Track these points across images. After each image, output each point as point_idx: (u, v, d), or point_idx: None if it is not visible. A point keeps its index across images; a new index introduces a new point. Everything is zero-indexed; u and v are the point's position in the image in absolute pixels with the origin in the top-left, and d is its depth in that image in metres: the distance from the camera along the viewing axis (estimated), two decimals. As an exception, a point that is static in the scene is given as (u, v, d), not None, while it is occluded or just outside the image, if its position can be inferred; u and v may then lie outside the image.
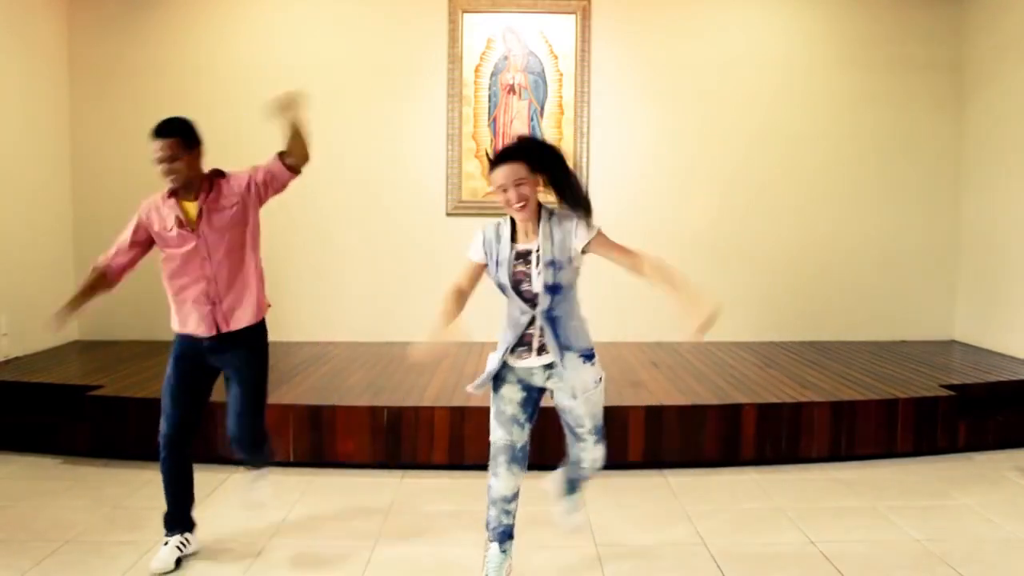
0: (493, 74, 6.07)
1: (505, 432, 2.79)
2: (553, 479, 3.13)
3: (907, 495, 3.82)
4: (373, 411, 4.11)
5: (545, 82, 6.08)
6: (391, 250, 6.07)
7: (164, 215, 3.13)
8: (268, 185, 3.17)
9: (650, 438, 4.12)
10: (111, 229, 5.96)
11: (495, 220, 2.83)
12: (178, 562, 3.02)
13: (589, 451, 2.82)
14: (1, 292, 5.20)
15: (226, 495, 3.81)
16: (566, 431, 2.85)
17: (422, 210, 6.05)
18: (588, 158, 6.06)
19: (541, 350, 2.71)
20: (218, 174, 3.19)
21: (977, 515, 3.57)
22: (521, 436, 2.79)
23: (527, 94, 6.08)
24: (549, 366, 2.72)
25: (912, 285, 6.22)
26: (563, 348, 2.68)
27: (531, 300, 2.68)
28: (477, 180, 6.10)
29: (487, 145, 6.08)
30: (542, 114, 6.09)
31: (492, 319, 6.45)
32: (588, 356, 2.73)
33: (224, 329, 3.05)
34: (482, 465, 4.11)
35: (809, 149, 6.15)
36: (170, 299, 3.13)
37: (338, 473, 4.05)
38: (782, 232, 6.17)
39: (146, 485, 3.89)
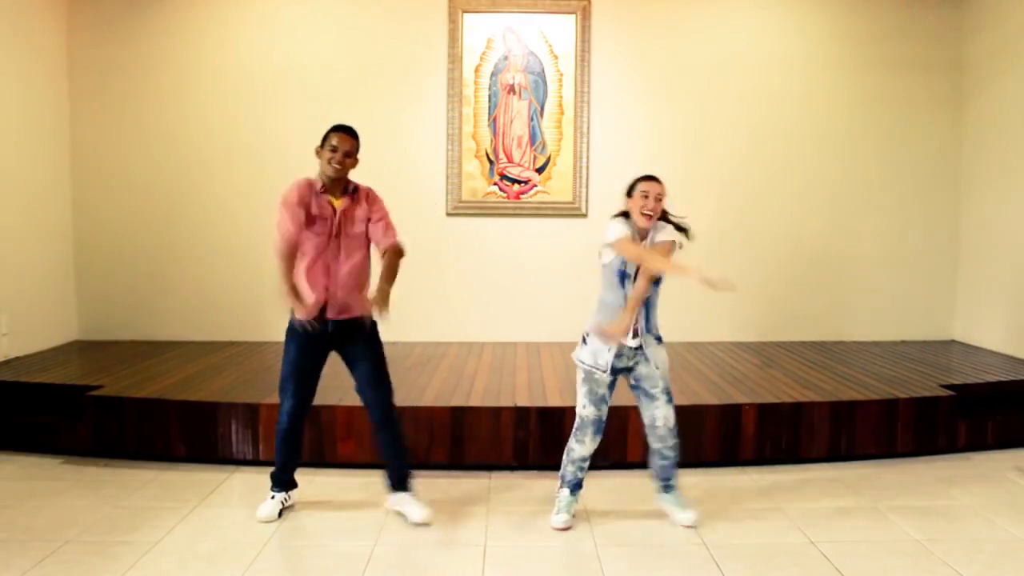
0: (493, 74, 6.07)
1: (595, 409, 3.36)
2: (659, 500, 3.55)
3: (907, 495, 3.82)
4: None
5: (545, 82, 6.08)
6: (391, 250, 6.07)
7: (318, 202, 3.37)
8: (372, 236, 3.49)
9: (650, 438, 4.12)
10: (111, 229, 6.05)
11: (623, 219, 3.33)
12: (280, 513, 3.51)
13: (662, 408, 3.34)
14: (1, 292, 5.20)
15: (226, 495, 3.80)
16: (641, 398, 3.38)
17: (422, 210, 6.04)
18: (588, 158, 6.06)
19: (635, 334, 3.28)
20: (365, 188, 3.52)
21: (977, 515, 3.57)
22: (604, 412, 3.39)
23: (527, 94, 6.08)
24: (638, 348, 3.30)
25: (912, 285, 6.22)
26: (648, 331, 3.32)
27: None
28: (477, 180, 6.10)
29: (487, 145, 6.08)
30: (542, 114, 6.09)
31: (494, 319, 6.45)
32: (658, 338, 3.37)
33: (332, 317, 3.40)
34: (482, 465, 4.14)
35: (809, 149, 6.15)
36: (302, 280, 3.36)
37: (338, 473, 4.05)
38: (782, 231, 6.17)
39: (146, 485, 3.89)
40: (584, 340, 3.35)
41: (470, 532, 3.38)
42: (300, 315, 3.37)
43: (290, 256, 3.33)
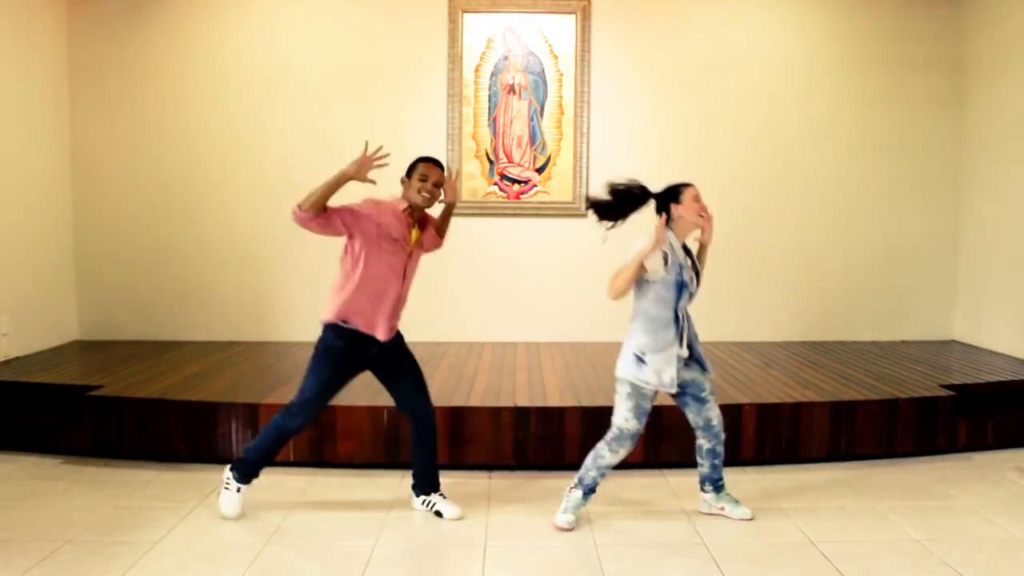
0: (493, 74, 6.07)
1: (638, 423, 3.37)
2: (710, 503, 3.58)
3: (907, 495, 3.82)
4: (373, 411, 4.11)
5: (545, 82, 6.08)
6: (391, 250, 6.06)
7: (400, 227, 3.42)
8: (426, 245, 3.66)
9: (650, 438, 4.11)
10: (111, 229, 6.06)
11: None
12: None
13: (715, 408, 3.45)
14: (1, 292, 5.20)
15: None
16: (691, 403, 3.43)
17: (422, 210, 6.04)
18: (588, 158, 6.06)
19: (683, 342, 3.35)
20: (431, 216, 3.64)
21: (977, 515, 3.57)
22: (695, 416, 3.47)
23: (527, 94, 6.08)
24: (689, 357, 3.38)
25: (912, 285, 6.22)
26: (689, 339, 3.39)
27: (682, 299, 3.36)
28: (477, 180, 6.10)
29: (487, 145, 6.08)
30: (542, 114, 6.09)
31: (494, 319, 6.44)
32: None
33: (385, 339, 3.42)
34: (482, 465, 4.14)
35: (809, 149, 6.15)
36: (358, 298, 3.36)
37: (338, 473, 4.06)
38: (782, 232, 6.17)
39: (146, 485, 3.89)
40: (640, 359, 3.28)
41: (470, 532, 3.38)
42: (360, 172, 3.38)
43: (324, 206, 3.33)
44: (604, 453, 3.40)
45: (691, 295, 3.36)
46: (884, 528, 3.43)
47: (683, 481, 3.94)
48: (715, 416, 3.45)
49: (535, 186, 6.11)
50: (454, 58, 6.01)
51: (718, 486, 3.54)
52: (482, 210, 6.11)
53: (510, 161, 6.10)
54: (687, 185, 3.36)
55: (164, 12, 5.97)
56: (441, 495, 3.57)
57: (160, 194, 6.04)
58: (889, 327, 6.21)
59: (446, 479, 3.95)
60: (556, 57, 6.06)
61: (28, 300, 5.47)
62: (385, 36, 6.02)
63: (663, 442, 4.14)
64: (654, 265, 3.22)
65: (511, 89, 6.08)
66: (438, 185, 3.45)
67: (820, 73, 6.11)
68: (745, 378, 4.82)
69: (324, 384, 3.41)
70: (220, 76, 5.99)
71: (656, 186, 3.41)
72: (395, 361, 3.52)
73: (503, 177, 6.11)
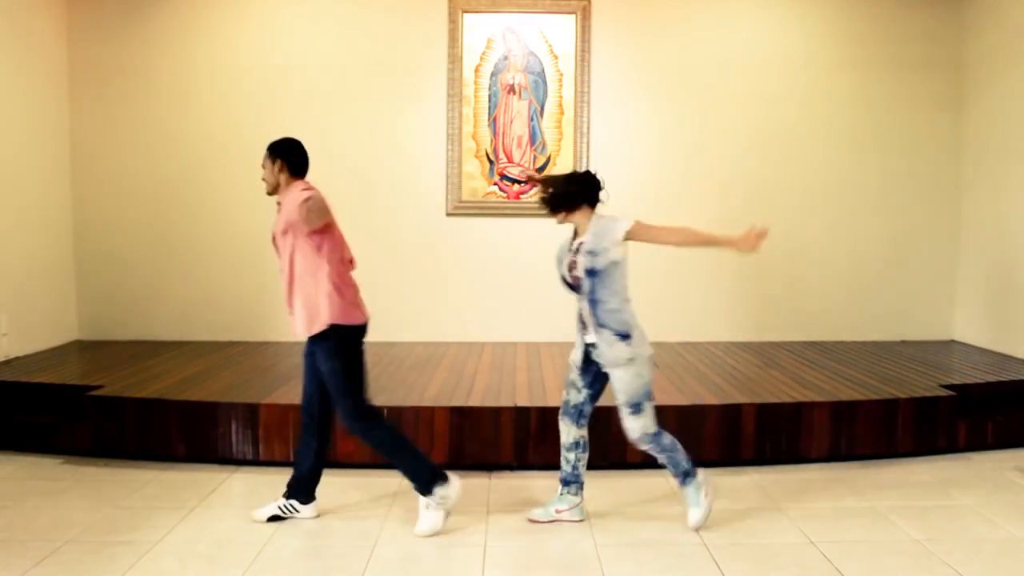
0: (493, 74, 6.07)
1: (564, 392, 3.50)
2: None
3: (907, 495, 3.82)
4: (373, 411, 4.10)
5: (545, 82, 6.08)
6: (391, 250, 6.07)
7: None
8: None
9: (650, 438, 4.12)
10: (111, 229, 6.06)
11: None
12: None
13: (624, 420, 3.36)
14: (1, 292, 5.20)
15: (226, 495, 3.80)
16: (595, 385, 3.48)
17: (422, 210, 6.05)
18: (588, 158, 6.06)
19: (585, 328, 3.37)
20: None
21: (977, 515, 3.57)
22: (575, 397, 3.47)
23: (527, 94, 6.08)
24: (592, 344, 3.36)
25: (912, 285, 6.22)
26: (599, 326, 3.30)
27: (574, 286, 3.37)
28: (477, 180, 6.10)
29: (487, 145, 6.08)
30: (542, 114, 6.09)
31: (494, 319, 6.45)
32: (623, 336, 3.28)
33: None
34: (482, 465, 4.14)
35: (809, 149, 6.15)
36: (346, 289, 3.37)
37: (338, 473, 4.05)
38: (782, 231, 6.13)
39: (146, 485, 3.89)
40: (628, 336, 3.26)
41: (470, 532, 3.38)
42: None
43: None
44: (663, 428, 3.40)
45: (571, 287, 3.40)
46: (884, 528, 3.43)
47: (683, 481, 3.94)
48: (624, 428, 3.42)
49: (535, 186, 6.11)
50: (454, 58, 6.01)
51: (682, 478, 3.45)
52: (482, 210, 6.11)
53: (510, 161, 6.10)
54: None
55: (164, 12, 5.97)
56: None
57: (160, 194, 6.04)
58: (889, 327, 6.21)
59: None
60: (556, 57, 6.06)
61: (28, 300, 5.47)
62: (385, 36, 6.02)
63: (663, 442, 4.13)
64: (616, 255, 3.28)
65: (511, 89, 6.08)
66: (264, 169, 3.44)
67: (820, 73, 6.11)
68: (745, 378, 4.82)
69: (359, 371, 3.40)
70: (220, 76, 5.99)
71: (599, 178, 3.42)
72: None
73: (503, 177, 6.11)
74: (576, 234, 3.38)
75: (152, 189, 6.05)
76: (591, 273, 3.27)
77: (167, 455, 4.21)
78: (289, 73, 6.00)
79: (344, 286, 3.35)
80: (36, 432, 4.37)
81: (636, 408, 3.31)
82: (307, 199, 3.23)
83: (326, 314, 3.29)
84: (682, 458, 3.40)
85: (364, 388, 3.40)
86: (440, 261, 6.10)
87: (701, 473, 3.42)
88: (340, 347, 3.33)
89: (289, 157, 3.38)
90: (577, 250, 3.32)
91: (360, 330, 3.40)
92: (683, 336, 5.98)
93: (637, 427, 3.33)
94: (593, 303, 3.29)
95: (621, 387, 3.30)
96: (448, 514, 3.38)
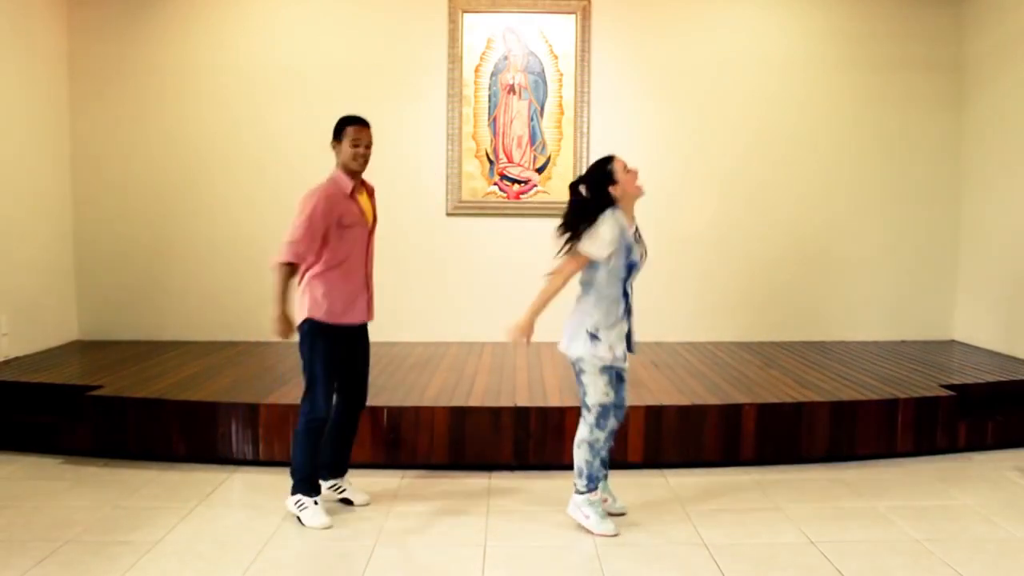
0: (493, 74, 6.07)
1: (614, 394, 3.39)
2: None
3: (907, 495, 3.82)
4: (373, 411, 4.10)
5: (545, 82, 6.08)
6: (391, 250, 6.05)
7: (348, 208, 3.46)
8: None
9: (650, 438, 4.12)
10: (111, 229, 6.06)
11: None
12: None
13: (626, 387, 3.49)
14: (1, 292, 5.20)
15: (226, 495, 3.80)
16: (622, 385, 3.48)
17: (422, 210, 6.05)
18: (588, 158, 6.04)
19: (630, 317, 3.40)
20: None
21: (977, 515, 3.57)
22: (619, 390, 3.44)
23: (527, 94, 6.08)
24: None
25: (912, 285, 6.22)
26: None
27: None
28: (477, 180, 6.10)
29: (487, 145, 6.08)
30: (542, 114, 6.09)
31: (494, 319, 6.43)
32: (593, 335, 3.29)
33: (370, 319, 3.61)
34: (482, 465, 4.14)
35: (809, 149, 6.15)
36: (333, 288, 3.39)
37: (338, 473, 4.05)
38: (782, 231, 6.17)
39: (146, 485, 3.89)
40: (594, 336, 3.27)
41: (470, 532, 3.38)
42: (281, 336, 3.38)
43: (288, 278, 3.36)
44: (598, 435, 3.33)
45: (638, 271, 3.37)
46: (884, 528, 3.43)
47: (683, 481, 3.94)
48: (626, 396, 3.49)
49: (535, 186, 6.11)
50: (454, 58, 6.01)
51: (605, 476, 3.48)
52: (482, 210, 6.11)
53: (510, 161, 6.10)
54: (611, 159, 3.34)
55: (164, 12, 5.97)
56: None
57: (160, 194, 6.04)
58: (889, 327, 6.21)
59: (446, 479, 3.97)
60: (556, 57, 6.06)
61: (28, 300, 5.47)
62: (385, 36, 6.02)
63: (663, 442, 4.14)
64: (598, 252, 3.25)
65: (511, 89, 6.08)
66: (369, 147, 3.46)
67: (820, 73, 6.10)
68: (745, 378, 4.82)
69: (327, 360, 3.46)
70: (220, 76, 5.99)
71: (590, 178, 3.38)
72: (360, 345, 3.60)
73: (503, 177, 6.11)
74: (629, 221, 3.36)
75: (152, 189, 6.05)
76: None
77: (167, 455, 4.21)
78: (289, 73, 6.00)
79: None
80: (36, 432, 4.37)
81: (587, 410, 3.40)
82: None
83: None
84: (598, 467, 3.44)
85: (330, 375, 3.43)
86: (440, 261, 6.10)
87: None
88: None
89: None
90: (639, 237, 3.37)
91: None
92: (683, 336, 5.98)
93: (581, 429, 3.40)
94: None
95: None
96: (327, 523, 3.40)
